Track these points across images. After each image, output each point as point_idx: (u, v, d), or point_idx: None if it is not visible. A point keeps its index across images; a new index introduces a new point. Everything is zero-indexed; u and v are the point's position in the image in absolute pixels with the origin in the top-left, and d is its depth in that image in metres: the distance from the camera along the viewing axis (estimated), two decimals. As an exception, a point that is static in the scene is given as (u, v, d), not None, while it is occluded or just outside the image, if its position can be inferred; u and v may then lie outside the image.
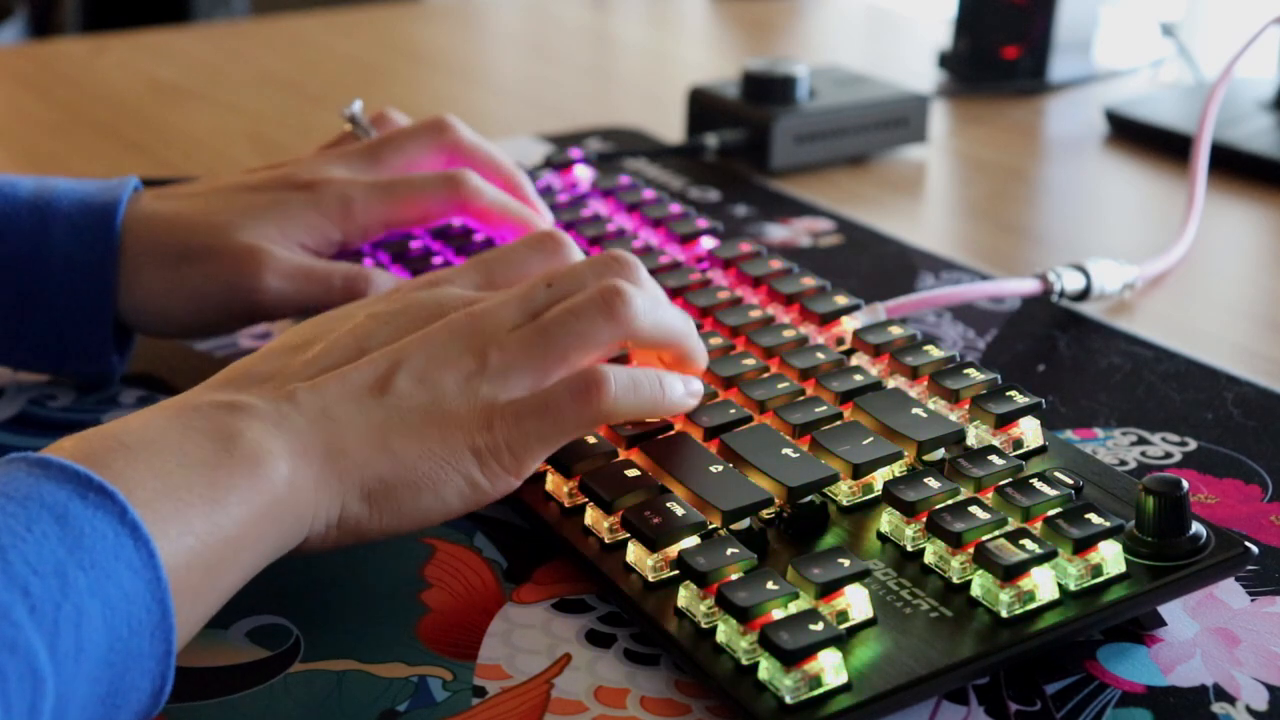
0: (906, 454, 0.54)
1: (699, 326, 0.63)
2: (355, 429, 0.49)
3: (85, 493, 0.41)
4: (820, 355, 0.60)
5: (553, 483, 0.56)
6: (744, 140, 0.98)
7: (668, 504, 0.51)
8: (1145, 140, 1.06)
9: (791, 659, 0.44)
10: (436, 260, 0.72)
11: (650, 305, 0.54)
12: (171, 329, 0.67)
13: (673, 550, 0.50)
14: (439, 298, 0.55)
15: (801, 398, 0.58)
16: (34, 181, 0.66)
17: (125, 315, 0.66)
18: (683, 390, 0.55)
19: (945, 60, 1.21)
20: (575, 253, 0.60)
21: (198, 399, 0.49)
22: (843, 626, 0.47)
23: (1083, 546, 0.49)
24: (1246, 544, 0.51)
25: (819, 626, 0.45)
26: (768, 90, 0.98)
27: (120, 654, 0.40)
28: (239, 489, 0.45)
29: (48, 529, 0.40)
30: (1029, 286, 0.75)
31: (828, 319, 0.64)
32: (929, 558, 0.50)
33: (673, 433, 0.56)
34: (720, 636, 0.47)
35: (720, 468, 0.53)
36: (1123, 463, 0.63)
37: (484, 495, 0.51)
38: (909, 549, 0.51)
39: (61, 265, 0.64)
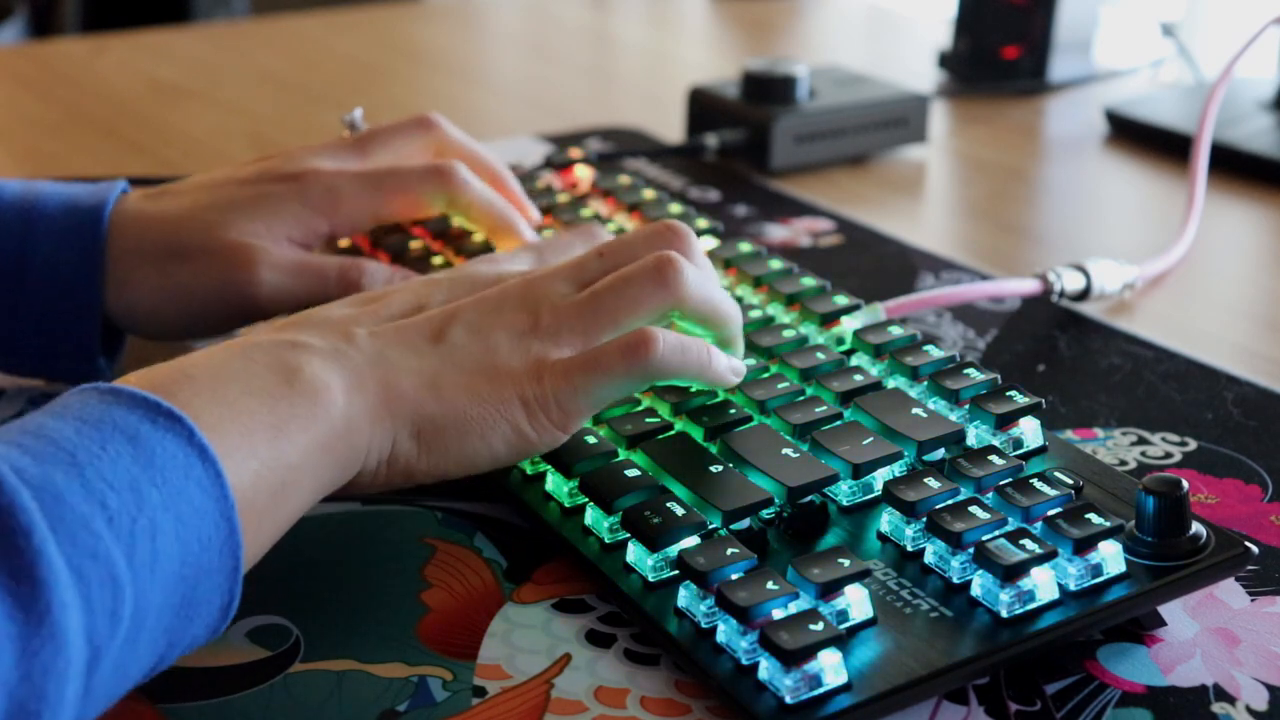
0: (906, 454, 0.54)
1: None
2: (409, 371, 0.51)
3: (155, 417, 0.43)
4: (820, 355, 0.60)
5: (553, 483, 0.56)
6: (744, 140, 0.98)
7: (668, 504, 0.51)
8: (1145, 140, 1.06)
9: (791, 659, 0.44)
10: (436, 261, 0.71)
11: (701, 279, 0.56)
12: (164, 330, 0.67)
13: (673, 550, 0.50)
14: (497, 270, 0.58)
15: (801, 398, 0.58)
16: (20, 185, 0.66)
17: (115, 317, 0.66)
18: (727, 364, 0.57)
19: (945, 60, 1.21)
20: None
21: (260, 337, 0.51)
22: (843, 626, 0.47)
23: (1083, 546, 0.49)
24: (1246, 544, 0.51)
25: (819, 626, 0.45)
26: (768, 90, 0.98)
27: (192, 567, 0.43)
28: (299, 418, 0.48)
29: (121, 448, 0.42)
30: (1029, 286, 0.75)
31: (828, 319, 0.64)
32: (929, 558, 0.50)
33: (673, 433, 0.56)
34: (720, 636, 0.47)
35: (720, 468, 0.53)
36: (1123, 463, 0.63)
37: (530, 445, 0.53)
38: (909, 549, 0.51)
39: (47, 268, 0.64)
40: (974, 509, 0.50)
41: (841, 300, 0.65)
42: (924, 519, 0.51)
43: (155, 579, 0.41)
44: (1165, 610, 0.52)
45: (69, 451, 0.41)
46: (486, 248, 0.70)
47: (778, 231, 0.89)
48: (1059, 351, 0.73)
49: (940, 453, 0.55)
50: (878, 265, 0.84)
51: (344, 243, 0.75)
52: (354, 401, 0.50)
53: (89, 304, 0.64)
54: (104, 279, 0.64)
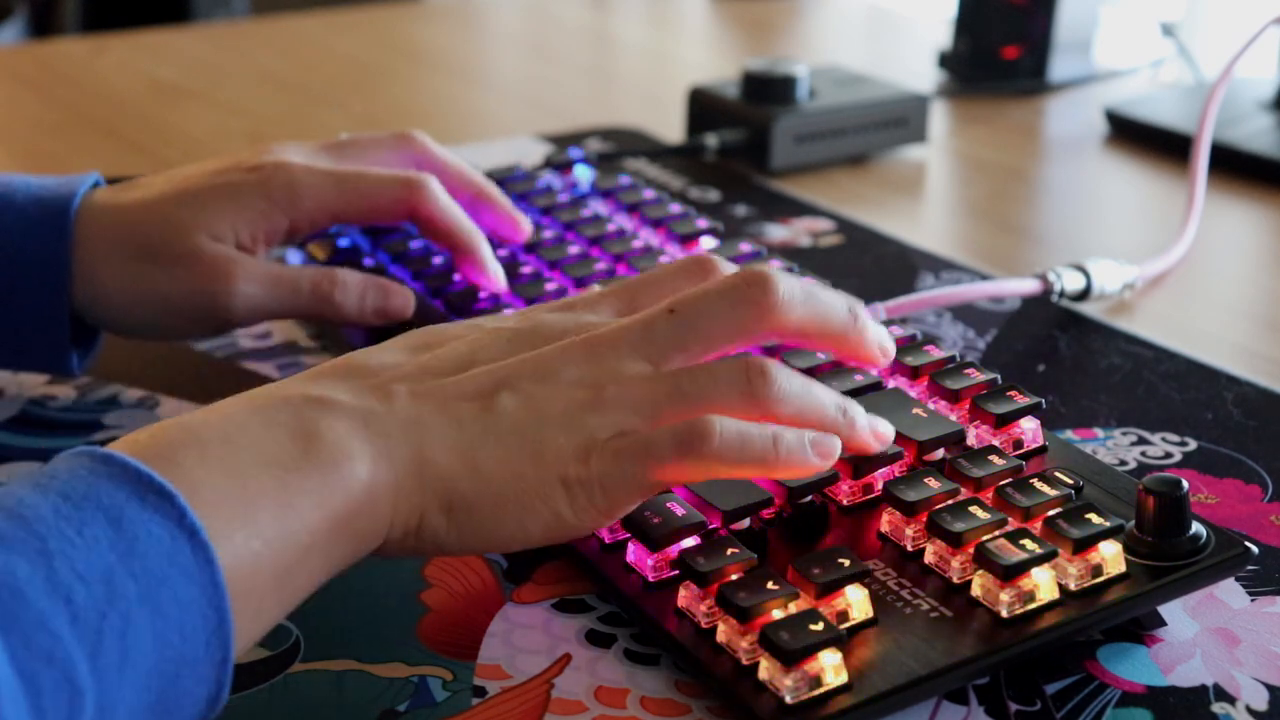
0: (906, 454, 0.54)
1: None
2: (445, 440, 0.47)
3: (144, 494, 0.40)
4: (820, 355, 0.60)
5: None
6: (744, 140, 0.98)
7: (668, 504, 0.51)
8: (1145, 140, 1.06)
9: (791, 659, 0.44)
10: (437, 260, 0.71)
11: (795, 391, 0.49)
12: (135, 329, 0.66)
13: (673, 550, 0.50)
14: (566, 322, 0.52)
15: (801, 398, 0.58)
16: None
17: (85, 312, 0.65)
18: (809, 454, 0.49)
19: (945, 60, 1.21)
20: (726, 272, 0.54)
21: (289, 390, 0.47)
22: (843, 626, 0.47)
23: (1083, 546, 0.49)
24: (1246, 544, 0.51)
25: (819, 626, 0.45)
26: (768, 90, 0.98)
27: (172, 662, 0.40)
28: (314, 493, 0.44)
29: (99, 533, 0.39)
30: (1029, 286, 0.75)
31: (828, 319, 0.64)
32: (929, 558, 0.50)
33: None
34: (720, 636, 0.47)
35: (720, 468, 0.53)
36: (1123, 463, 0.63)
37: (568, 530, 0.48)
38: (909, 549, 0.51)
39: (14, 259, 0.63)
40: (974, 509, 0.50)
41: (841, 300, 0.65)
42: (924, 519, 0.51)
43: (125, 679, 0.38)
44: (1165, 610, 0.52)
45: (40, 537, 0.38)
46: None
47: (778, 231, 0.89)
48: (1059, 351, 0.73)
49: (940, 453, 0.55)
50: (878, 265, 0.84)
51: (344, 243, 0.75)
52: (378, 472, 0.46)
53: (56, 296, 0.63)
54: (71, 271, 0.63)
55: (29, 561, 0.38)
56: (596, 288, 0.56)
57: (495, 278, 0.68)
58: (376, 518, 0.46)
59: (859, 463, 0.53)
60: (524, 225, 0.72)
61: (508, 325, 0.52)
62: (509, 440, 0.47)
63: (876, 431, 0.52)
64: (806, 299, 0.51)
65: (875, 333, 0.54)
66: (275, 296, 0.64)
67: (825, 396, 0.50)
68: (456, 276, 0.69)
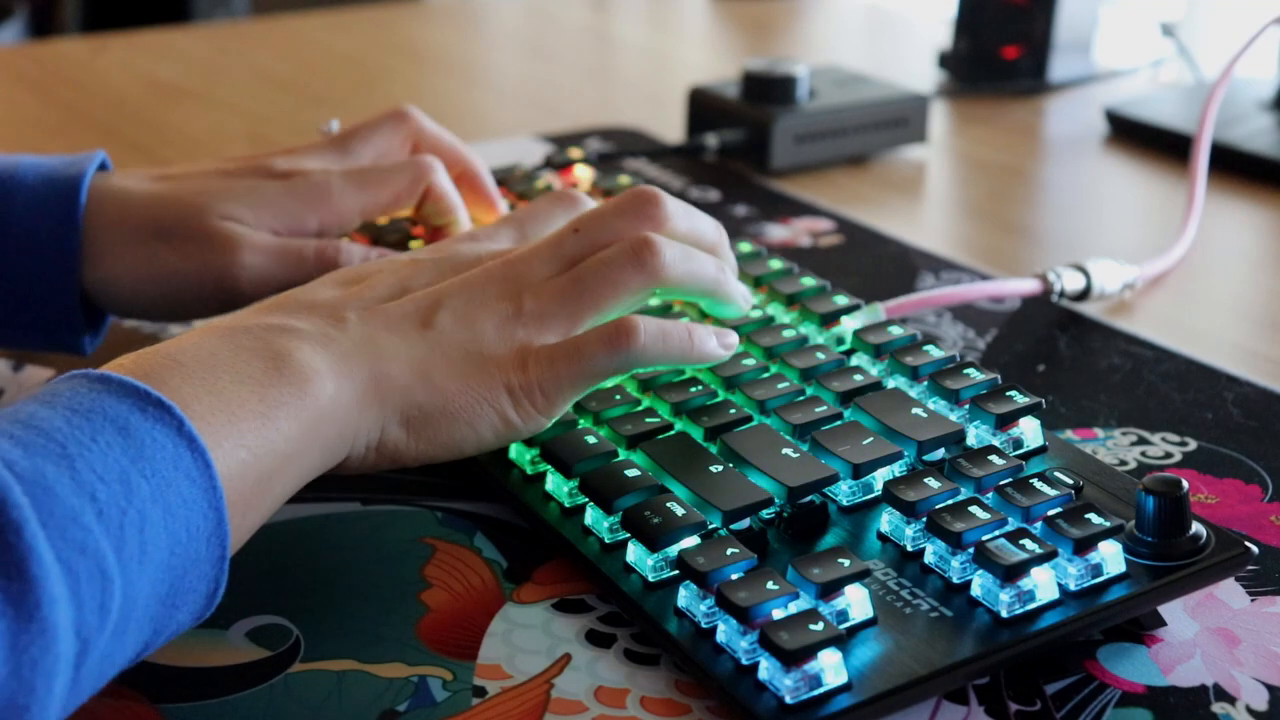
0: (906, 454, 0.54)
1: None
2: (398, 358, 0.52)
3: (145, 406, 0.44)
4: (820, 355, 0.60)
5: (553, 483, 0.56)
6: (744, 140, 0.98)
7: (668, 504, 0.51)
8: (1145, 140, 1.06)
9: (791, 659, 0.44)
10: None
11: (681, 256, 0.57)
12: (143, 310, 0.67)
13: (673, 550, 0.50)
14: (477, 250, 0.59)
15: (801, 398, 0.58)
16: None
17: (94, 293, 0.65)
18: (715, 343, 0.57)
19: (945, 60, 1.21)
20: (591, 206, 0.62)
21: (248, 321, 0.51)
22: (843, 626, 0.47)
23: (1083, 546, 0.49)
24: (1246, 544, 0.51)
25: (819, 626, 0.45)
26: (768, 90, 0.98)
27: (180, 557, 0.43)
28: (288, 405, 0.48)
29: (111, 439, 0.42)
30: (1029, 286, 0.75)
31: (828, 319, 0.64)
32: (929, 558, 0.50)
33: (673, 433, 0.56)
34: (720, 636, 0.47)
35: (720, 468, 0.53)
36: (1123, 463, 0.63)
37: (515, 431, 0.54)
38: (909, 549, 0.51)
39: (24, 239, 0.64)
40: (974, 509, 0.50)
41: (841, 300, 0.65)
42: (924, 519, 0.51)
43: (143, 570, 0.42)
44: (1165, 610, 0.52)
45: (59, 443, 0.41)
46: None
47: (778, 231, 0.89)
48: (1059, 351, 0.73)
49: (940, 453, 0.55)
50: (878, 265, 0.84)
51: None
52: (343, 388, 0.50)
53: (66, 275, 0.64)
54: (80, 250, 0.64)
55: (54, 464, 0.41)
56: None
57: None
58: (343, 429, 0.50)
59: (860, 463, 0.53)
60: (500, 205, 0.74)
61: (425, 257, 0.58)
62: (453, 354, 0.53)
63: (745, 293, 0.61)
64: (688, 213, 0.60)
65: (742, 296, 0.61)
66: (281, 267, 0.65)
67: (704, 258, 0.58)
68: None
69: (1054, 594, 0.48)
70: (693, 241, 0.59)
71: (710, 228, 0.61)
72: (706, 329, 0.58)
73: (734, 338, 0.59)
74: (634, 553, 0.51)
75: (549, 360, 0.54)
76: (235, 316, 0.52)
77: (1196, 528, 0.51)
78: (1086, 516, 0.50)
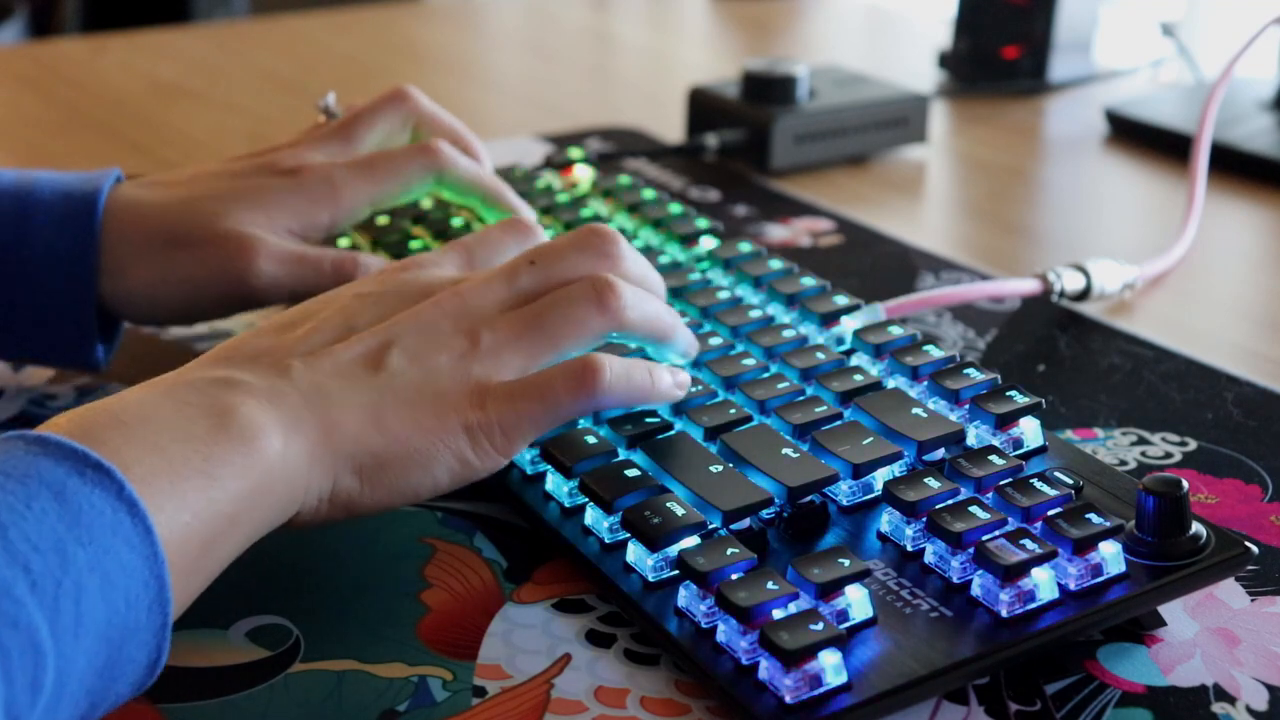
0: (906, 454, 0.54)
1: (699, 326, 0.63)
2: (349, 405, 0.50)
3: (83, 469, 0.42)
4: (820, 355, 0.60)
5: (553, 483, 0.56)
6: (744, 140, 0.98)
7: (668, 504, 0.51)
8: (1145, 140, 1.06)
9: (791, 659, 0.44)
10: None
11: (639, 299, 0.55)
12: (161, 316, 0.67)
13: (673, 550, 0.50)
14: (424, 279, 0.56)
15: (801, 398, 0.58)
16: (15, 173, 0.66)
17: (111, 304, 0.66)
18: (670, 382, 0.56)
19: (945, 60, 1.21)
20: (545, 238, 0.61)
21: (191, 375, 0.49)
22: (843, 626, 0.47)
23: (1083, 546, 0.49)
24: (1246, 544, 0.51)
25: (819, 626, 0.45)
26: (768, 90, 0.98)
27: (118, 628, 0.41)
28: (234, 464, 0.46)
29: (46, 506, 0.40)
30: (1029, 286, 0.75)
31: (828, 319, 0.64)
32: (929, 558, 0.50)
33: (673, 433, 0.56)
34: (720, 636, 0.47)
35: (720, 468, 0.53)
36: (1123, 463, 0.63)
37: (473, 472, 0.52)
38: (909, 549, 0.51)
39: (42, 255, 0.64)
40: (974, 509, 0.50)
41: (841, 300, 0.65)
42: (924, 519, 0.51)
43: (79, 643, 0.40)
44: (1165, 610, 0.52)
45: None
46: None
47: (778, 231, 0.89)
48: (1059, 351, 0.73)
49: (940, 453, 0.55)
50: (878, 265, 0.84)
51: (344, 242, 0.75)
52: (291, 443, 0.48)
53: (84, 290, 0.64)
54: (99, 264, 0.64)
55: None
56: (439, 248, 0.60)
57: (528, 214, 0.70)
58: (293, 486, 0.48)
59: (860, 463, 0.53)
60: (506, 196, 0.73)
61: (368, 290, 0.55)
62: (407, 395, 0.51)
63: (693, 341, 0.59)
64: (636, 255, 0.58)
65: (690, 343, 0.59)
66: (297, 275, 0.65)
67: (660, 303, 0.57)
68: None
69: (1054, 594, 0.48)
70: (642, 284, 0.57)
71: (655, 272, 0.59)
72: (662, 367, 0.56)
73: (687, 377, 0.57)
74: (634, 553, 0.51)
75: (509, 398, 0.52)
76: (180, 371, 0.50)
77: (1196, 528, 0.51)
78: (1086, 516, 0.50)
